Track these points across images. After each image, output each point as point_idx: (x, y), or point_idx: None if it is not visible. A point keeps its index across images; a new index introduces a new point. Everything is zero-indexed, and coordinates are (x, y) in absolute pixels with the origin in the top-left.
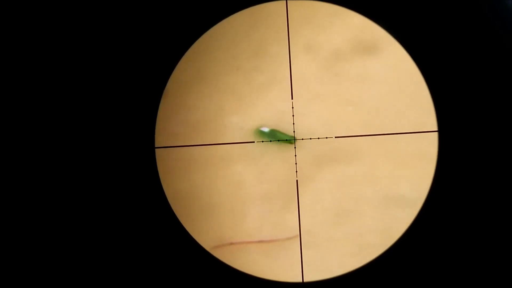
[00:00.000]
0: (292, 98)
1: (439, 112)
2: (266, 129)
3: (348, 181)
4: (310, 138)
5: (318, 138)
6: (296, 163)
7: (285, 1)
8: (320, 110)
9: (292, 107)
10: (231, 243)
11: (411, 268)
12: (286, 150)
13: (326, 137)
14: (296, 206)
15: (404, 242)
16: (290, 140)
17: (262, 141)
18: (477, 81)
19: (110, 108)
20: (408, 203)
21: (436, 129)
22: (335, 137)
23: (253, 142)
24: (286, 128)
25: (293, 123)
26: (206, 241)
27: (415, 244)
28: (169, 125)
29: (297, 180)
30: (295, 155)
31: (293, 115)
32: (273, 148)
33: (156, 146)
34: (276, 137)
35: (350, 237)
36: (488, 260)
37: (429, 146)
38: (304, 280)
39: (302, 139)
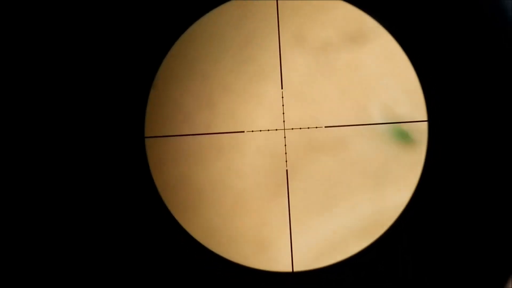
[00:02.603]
0: (282, 88)
1: (428, 102)
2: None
3: (337, 171)
4: (300, 128)
5: (308, 127)
6: (286, 153)
7: None
8: (310, 100)
9: (282, 97)
10: None
11: (402, 256)
12: (276, 140)
13: (316, 127)
14: (286, 196)
15: (394, 231)
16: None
17: (252, 131)
18: (468, 71)
19: (100, 98)
20: (398, 192)
21: (426, 118)
22: (325, 126)
23: (243, 131)
24: (275, 117)
25: (283, 113)
26: (196, 231)
27: (406, 233)
28: (158, 114)
29: (287, 170)
30: (285, 145)
31: (283, 105)
32: (263, 138)
33: (146, 135)
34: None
35: (340, 226)
36: (478, 253)
37: (419, 135)
38: (294, 270)
39: (292, 128)
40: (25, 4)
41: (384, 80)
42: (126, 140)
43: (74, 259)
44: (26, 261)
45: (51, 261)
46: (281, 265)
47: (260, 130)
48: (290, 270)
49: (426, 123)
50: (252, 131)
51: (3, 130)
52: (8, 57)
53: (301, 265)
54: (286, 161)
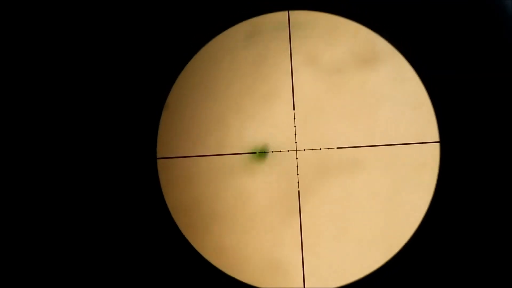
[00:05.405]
0: (294, 109)
1: (440, 123)
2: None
3: (349, 191)
4: (312, 149)
5: (320, 148)
6: (298, 174)
7: (287, 12)
8: (321, 120)
9: (294, 118)
10: None
11: (412, 278)
12: (288, 161)
13: (328, 148)
14: (298, 217)
15: (406, 253)
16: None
17: (264, 152)
18: (480, 92)
19: (112, 119)
20: (409, 215)
21: (437, 139)
22: (337, 147)
23: (255, 153)
24: (287, 138)
25: (295, 134)
26: (208, 252)
27: (417, 256)
28: (170, 135)
29: (298, 191)
30: (297, 166)
31: (295, 126)
32: (275, 159)
33: (158, 157)
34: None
35: (352, 247)
36: (492, 271)
37: (431, 157)
38: None
39: (304, 149)
40: (37, 19)
41: (396, 101)
42: (138, 161)
43: (85, 279)
44: (34, 268)
45: (64, 276)
46: (293, 286)
47: (272, 151)
48: None
49: (438, 144)
50: (265, 152)
51: (24, 152)
52: (24, 76)
53: (313, 286)
54: (298, 182)
